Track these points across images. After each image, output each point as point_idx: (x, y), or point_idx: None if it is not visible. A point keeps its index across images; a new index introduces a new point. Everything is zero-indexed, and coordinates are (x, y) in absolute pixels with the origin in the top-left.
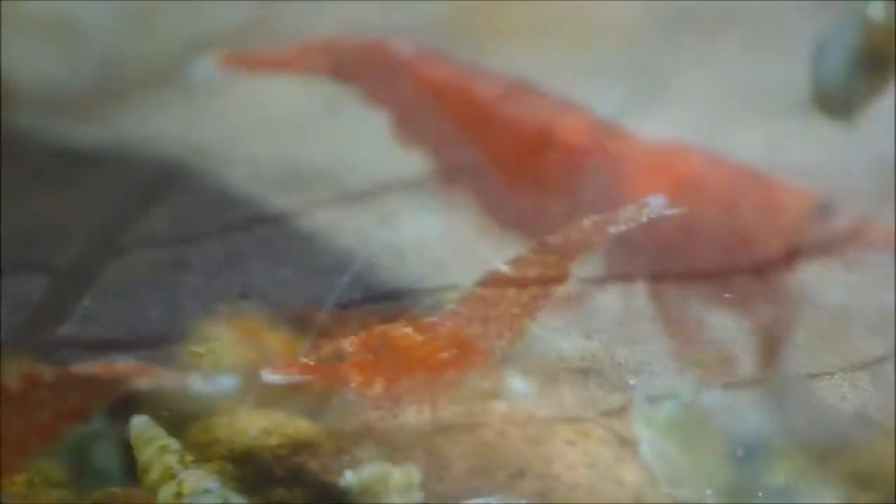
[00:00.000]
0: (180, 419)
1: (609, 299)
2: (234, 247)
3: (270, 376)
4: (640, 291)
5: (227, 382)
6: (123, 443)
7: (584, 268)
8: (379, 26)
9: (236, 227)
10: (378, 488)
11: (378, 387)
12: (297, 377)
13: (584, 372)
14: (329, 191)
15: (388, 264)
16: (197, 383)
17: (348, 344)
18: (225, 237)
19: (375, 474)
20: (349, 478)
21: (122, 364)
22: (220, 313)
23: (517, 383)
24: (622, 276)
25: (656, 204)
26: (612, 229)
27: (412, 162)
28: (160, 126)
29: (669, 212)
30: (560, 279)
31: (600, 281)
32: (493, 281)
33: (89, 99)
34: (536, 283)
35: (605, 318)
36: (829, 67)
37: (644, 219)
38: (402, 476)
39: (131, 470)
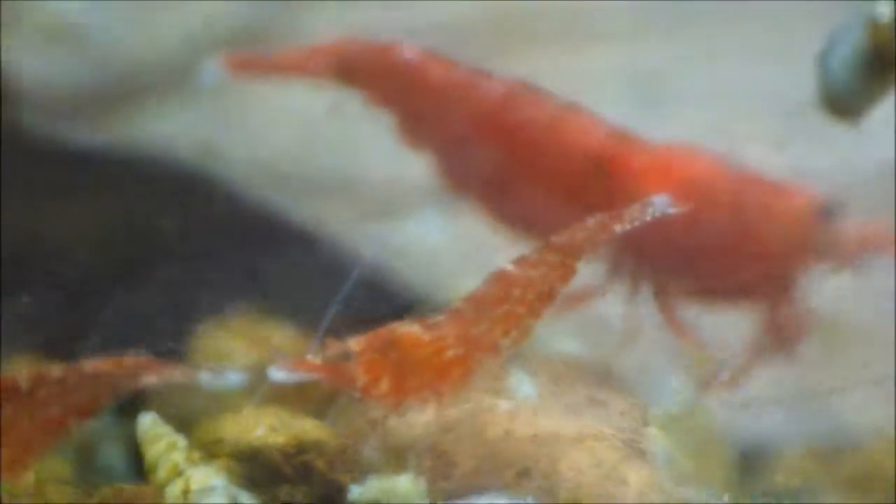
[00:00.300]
0: (187, 417)
1: (616, 301)
2: (244, 250)
3: (277, 374)
4: (646, 294)
5: (235, 378)
6: (131, 440)
7: (592, 271)
8: (385, 29)
9: (246, 230)
10: (385, 500)
11: (384, 386)
12: (303, 376)
13: (591, 372)
14: (339, 194)
15: (398, 268)
16: (205, 378)
17: (354, 343)
18: (235, 240)
19: (381, 488)
20: (355, 493)
21: (130, 359)
22: (230, 316)
23: (523, 383)
24: (629, 279)
25: (660, 203)
26: (617, 228)
27: (422, 165)
28: (167, 129)
29: (673, 211)
30: (565, 278)
31: (608, 283)
32: (499, 280)
33: (96, 102)
34: (541, 283)
35: (611, 320)
36: (835, 68)
37: (648, 218)
38: (408, 485)
39: (139, 467)
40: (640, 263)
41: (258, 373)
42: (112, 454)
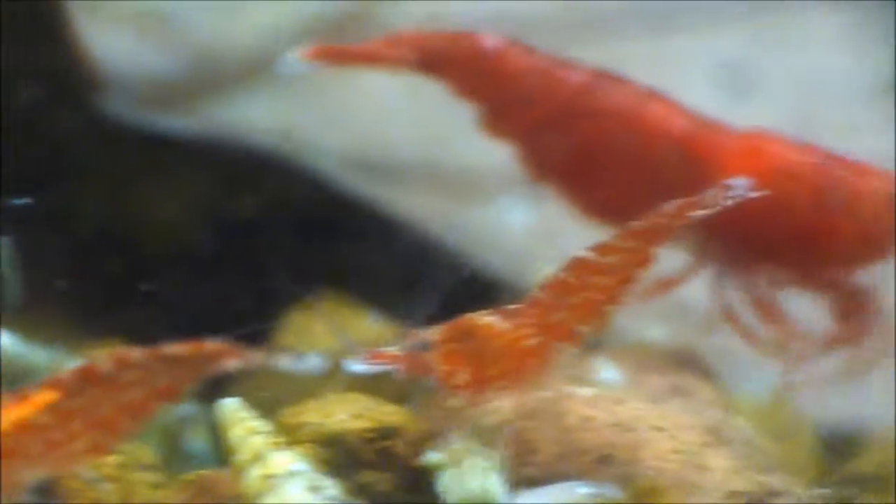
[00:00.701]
0: (271, 403)
1: (698, 287)
2: (327, 236)
3: (356, 366)
4: (731, 280)
5: (313, 362)
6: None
7: (674, 256)
8: (467, 18)
9: (330, 216)
10: (458, 467)
11: (463, 376)
12: (382, 367)
13: (675, 359)
14: (419, 180)
15: (479, 254)
16: (284, 361)
17: (432, 333)
18: (319, 226)
19: (456, 455)
20: (431, 458)
21: (211, 344)
22: (314, 302)
23: (605, 370)
24: (715, 265)
25: (739, 187)
26: (695, 214)
27: (503, 152)
28: (252, 116)
29: (752, 194)
30: (644, 264)
31: (693, 269)
32: (577, 267)
33: (183, 90)
34: (620, 269)
35: (694, 306)
36: None
37: (727, 202)
38: (482, 459)
39: (224, 453)
40: (726, 249)
41: (339, 358)
42: (197, 440)
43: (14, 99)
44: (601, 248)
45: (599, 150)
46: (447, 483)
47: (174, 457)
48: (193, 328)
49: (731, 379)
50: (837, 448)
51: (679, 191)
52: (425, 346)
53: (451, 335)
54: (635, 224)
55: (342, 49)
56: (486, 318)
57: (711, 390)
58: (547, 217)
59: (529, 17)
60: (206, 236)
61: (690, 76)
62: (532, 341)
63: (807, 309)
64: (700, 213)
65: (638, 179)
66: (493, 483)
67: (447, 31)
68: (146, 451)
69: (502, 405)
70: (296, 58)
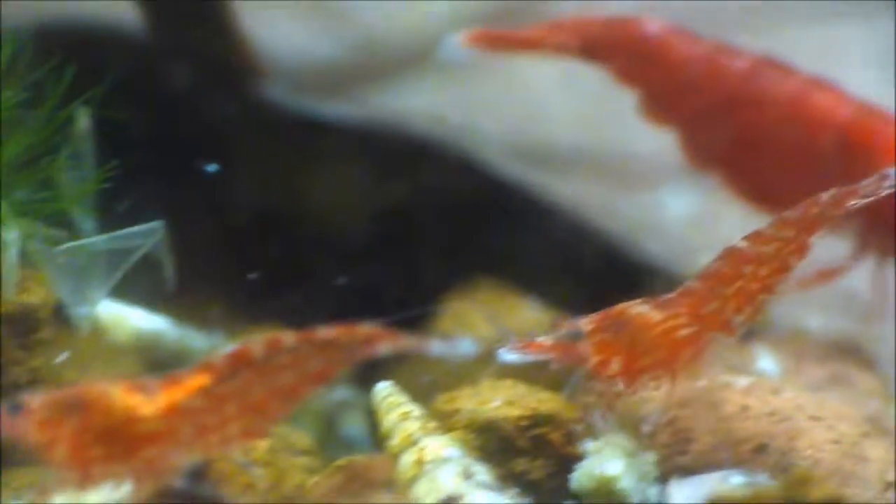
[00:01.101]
0: (426, 388)
1: (859, 276)
2: (482, 220)
3: (507, 356)
4: (889, 267)
5: (466, 347)
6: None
7: (835, 246)
8: (628, 6)
9: (485, 199)
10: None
11: (616, 366)
12: (533, 357)
13: (837, 349)
14: (578, 166)
15: (637, 241)
16: (437, 347)
17: (585, 323)
18: (475, 210)
19: (602, 443)
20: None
21: (363, 328)
22: (473, 288)
23: (763, 359)
24: (877, 254)
25: None
26: (852, 202)
27: (663, 139)
28: (412, 102)
29: None
30: (799, 253)
31: (855, 258)
32: (731, 257)
33: (345, 75)
34: (775, 259)
35: (854, 296)
36: None
37: (884, 191)
38: (620, 447)
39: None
40: (886, 238)
41: (493, 346)
42: (354, 425)
43: (174, 85)
44: (755, 238)
45: (762, 138)
46: (578, 470)
47: (331, 442)
48: (350, 314)
49: (891, 367)
50: None
51: (841, 179)
52: (578, 335)
53: (603, 324)
54: (790, 213)
55: (504, 35)
56: (638, 308)
57: (873, 380)
58: (709, 205)
59: (695, 3)
60: (364, 222)
61: (856, 63)
62: (686, 331)
63: None
64: (857, 201)
65: (800, 168)
66: (622, 471)
67: (610, 17)
68: (301, 436)
69: (656, 395)
70: (457, 42)
